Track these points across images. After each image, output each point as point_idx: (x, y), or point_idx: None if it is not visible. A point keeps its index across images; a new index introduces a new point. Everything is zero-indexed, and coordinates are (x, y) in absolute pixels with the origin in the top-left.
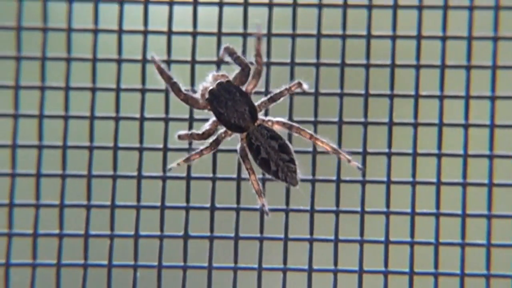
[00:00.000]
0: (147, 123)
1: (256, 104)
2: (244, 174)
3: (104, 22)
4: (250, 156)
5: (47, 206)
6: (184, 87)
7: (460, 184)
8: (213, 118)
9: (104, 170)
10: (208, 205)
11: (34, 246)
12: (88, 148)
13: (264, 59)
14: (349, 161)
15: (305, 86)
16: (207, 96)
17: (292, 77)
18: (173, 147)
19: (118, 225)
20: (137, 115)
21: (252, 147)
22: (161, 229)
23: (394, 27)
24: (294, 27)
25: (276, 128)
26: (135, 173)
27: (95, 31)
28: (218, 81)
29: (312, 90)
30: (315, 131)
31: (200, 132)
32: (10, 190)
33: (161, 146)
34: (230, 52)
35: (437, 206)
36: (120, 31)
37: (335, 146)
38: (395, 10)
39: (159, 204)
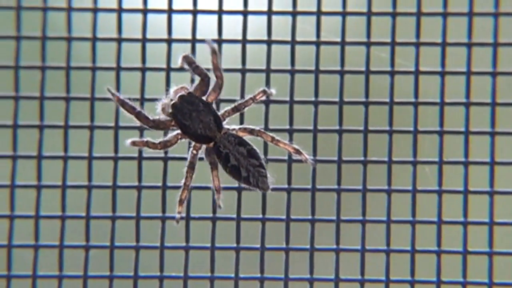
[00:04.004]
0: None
1: (219, 113)
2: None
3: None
4: (219, 165)
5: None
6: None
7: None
8: (177, 131)
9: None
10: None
11: None
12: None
13: (223, 72)
14: (306, 160)
15: (271, 91)
16: (170, 110)
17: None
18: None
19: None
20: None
21: (221, 155)
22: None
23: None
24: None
25: (240, 135)
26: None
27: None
28: (179, 94)
29: (287, 98)
30: (291, 139)
31: (156, 141)
32: None
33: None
34: (189, 62)
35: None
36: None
37: (296, 146)
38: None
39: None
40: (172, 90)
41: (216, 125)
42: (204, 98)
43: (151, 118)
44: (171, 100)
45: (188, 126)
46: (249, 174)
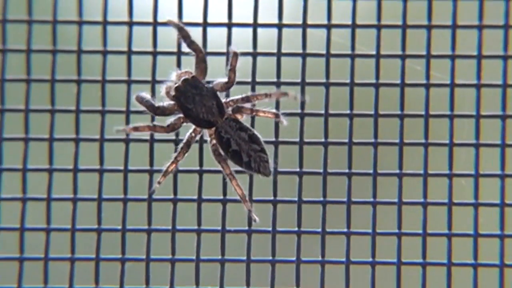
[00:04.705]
0: None
1: (227, 100)
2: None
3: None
4: (222, 153)
5: None
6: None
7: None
8: (180, 115)
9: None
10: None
11: None
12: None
13: (236, 75)
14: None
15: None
16: (173, 93)
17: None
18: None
19: None
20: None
21: (222, 140)
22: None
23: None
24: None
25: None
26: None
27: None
28: (183, 77)
29: (322, 111)
30: (326, 152)
31: (164, 125)
32: None
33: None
34: (184, 36)
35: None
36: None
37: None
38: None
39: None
40: (175, 73)
41: (218, 110)
42: (211, 84)
43: (156, 105)
44: (175, 83)
45: (191, 109)
46: (250, 159)
